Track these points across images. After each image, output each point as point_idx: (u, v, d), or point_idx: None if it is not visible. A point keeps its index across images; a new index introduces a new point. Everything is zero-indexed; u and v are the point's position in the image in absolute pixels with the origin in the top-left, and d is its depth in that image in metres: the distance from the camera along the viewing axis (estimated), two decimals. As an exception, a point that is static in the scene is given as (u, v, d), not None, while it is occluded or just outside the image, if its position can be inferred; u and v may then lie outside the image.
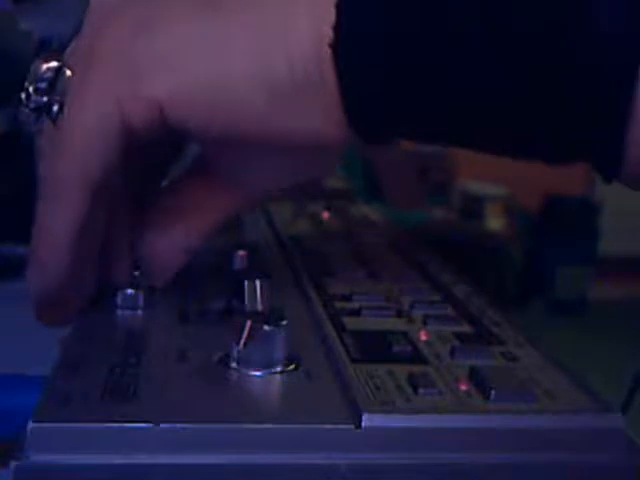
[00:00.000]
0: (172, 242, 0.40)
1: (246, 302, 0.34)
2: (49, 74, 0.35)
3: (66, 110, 0.34)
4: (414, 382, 0.30)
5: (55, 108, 0.34)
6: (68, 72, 0.35)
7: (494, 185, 2.66)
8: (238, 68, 0.32)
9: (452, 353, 0.33)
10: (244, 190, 0.40)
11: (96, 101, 0.33)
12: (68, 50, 0.36)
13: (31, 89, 0.35)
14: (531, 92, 0.31)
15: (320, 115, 0.33)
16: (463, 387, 0.30)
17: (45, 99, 0.35)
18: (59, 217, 0.34)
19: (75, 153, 0.33)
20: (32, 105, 0.35)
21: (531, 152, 0.34)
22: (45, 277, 0.36)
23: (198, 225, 0.40)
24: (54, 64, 0.35)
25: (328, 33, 0.31)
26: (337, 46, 0.31)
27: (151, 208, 0.41)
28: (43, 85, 0.35)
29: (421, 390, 0.29)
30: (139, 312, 0.38)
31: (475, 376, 0.30)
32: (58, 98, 0.34)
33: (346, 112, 0.32)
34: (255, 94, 0.32)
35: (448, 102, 0.32)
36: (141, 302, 0.38)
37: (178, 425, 0.27)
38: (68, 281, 0.36)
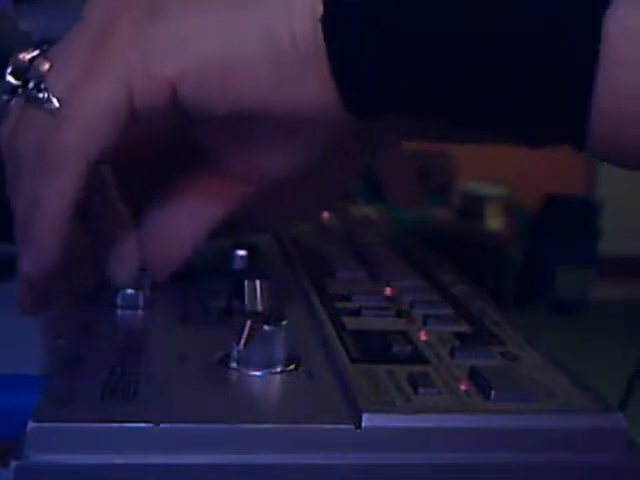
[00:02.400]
0: (178, 236, 0.40)
1: (246, 302, 0.34)
2: (26, 60, 0.36)
3: (74, 85, 0.35)
4: (414, 382, 0.30)
5: (32, 87, 0.35)
6: (46, 64, 0.36)
7: (494, 185, 2.66)
8: (247, 47, 0.34)
9: (452, 353, 0.33)
10: (247, 180, 0.41)
11: (109, 77, 0.34)
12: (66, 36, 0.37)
13: (7, 73, 0.36)
14: (501, 61, 0.32)
15: (318, 87, 0.34)
16: (463, 387, 0.30)
17: (19, 82, 0.36)
18: (54, 190, 0.35)
19: (81, 125, 0.34)
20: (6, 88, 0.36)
21: (503, 127, 0.36)
22: (39, 258, 0.36)
23: (205, 218, 0.41)
24: (34, 53, 0.36)
25: (319, 8, 0.34)
26: (325, 20, 0.33)
27: (156, 203, 0.41)
28: (18, 68, 0.36)
29: (421, 390, 0.29)
30: (139, 312, 0.38)
31: (475, 376, 0.30)
32: (33, 81, 0.35)
33: (336, 83, 0.34)
34: (261, 69, 0.34)
35: (428, 73, 0.34)
36: (141, 302, 0.38)
37: (178, 425, 0.27)
38: (60, 262, 0.36)
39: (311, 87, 0.34)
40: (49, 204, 0.35)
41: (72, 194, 0.35)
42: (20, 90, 0.36)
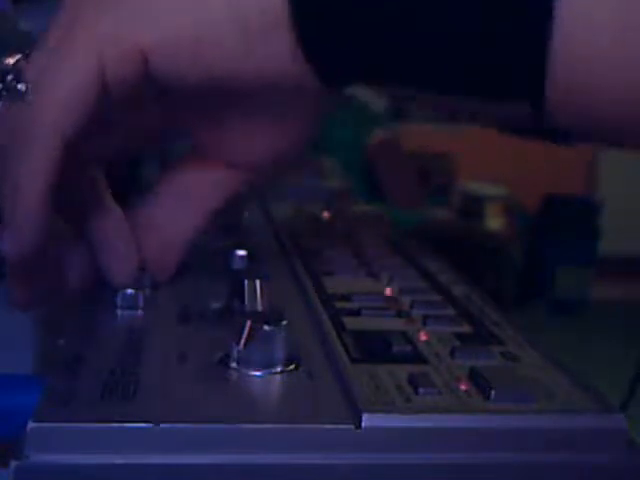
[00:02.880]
0: (175, 231, 0.41)
1: (246, 302, 0.34)
2: (9, 64, 0.37)
3: (47, 66, 0.35)
4: (414, 382, 0.30)
5: (10, 80, 0.36)
6: (25, 62, 0.36)
7: (494, 185, 2.67)
8: (216, 15, 0.34)
9: (452, 353, 0.33)
10: (239, 164, 0.41)
11: (80, 49, 0.34)
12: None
13: None
14: (459, 25, 0.33)
15: (285, 53, 0.35)
16: (463, 387, 0.30)
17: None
18: (30, 168, 0.35)
19: (53, 100, 0.34)
20: None
21: (463, 92, 0.36)
22: (19, 239, 0.35)
23: (201, 207, 0.41)
24: (17, 56, 0.37)
25: None
26: None
27: (149, 201, 0.41)
28: (1, 70, 0.37)
29: (421, 390, 0.29)
30: (139, 312, 0.38)
31: (475, 376, 0.30)
32: (12, 75, 0.36)
33: (303, 50, 0.34)
34: (230, 36, 0.34)
35: (390, 35, 0.34)
36: (141, 302, 0.38)
37: (178, 425, 0.27)
38: (42, 247, 0.36)
39: (279, 54, 0.35)
40: (25, 182, 0.35)
41: (47, 171, 0.35)
42: (4, 92, 0.36)
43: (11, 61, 0.36)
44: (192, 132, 0.41)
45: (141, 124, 0.42)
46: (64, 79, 0.34)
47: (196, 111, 0.40)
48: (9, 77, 0.35)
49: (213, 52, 0.35)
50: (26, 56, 0.36)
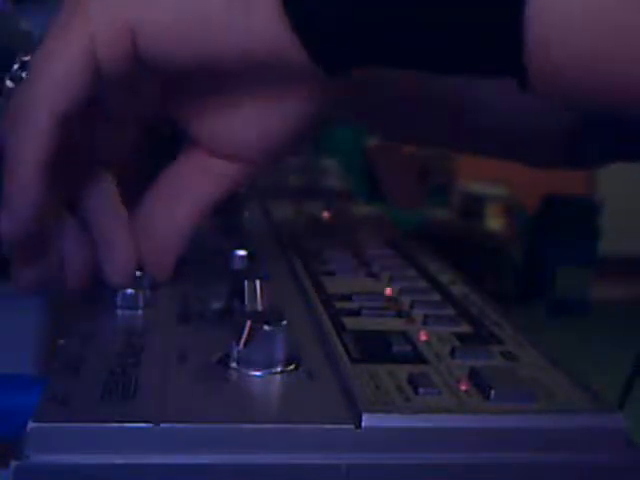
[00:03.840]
0: (171, 225, 0.41)
1: (246, 302, 0.34)
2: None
3: (47, 49, 0.36)
4: (414, 382, 0.30)
5: (16, 69, 0.37)
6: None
7: (494, 185, 2.66)
8: None
9: (452, 353, 0.33)
10: (231, 155, 0.41)
11: (74, 31, 0.35)
12: None
13: None
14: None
15: (273, 26, 0.35)
16: (463, 387, 0.30)
17: None
18: (25, 141, 0.35)
19: (48, 76, 0.35)
20: None
21: (453, 66, 0.36)
22: (13, 212, 0.36)
23: (196, 203, 0.41)
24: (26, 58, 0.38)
25: None
26: None
27: (144, 200, 0.41)
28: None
29: (421, 390, 0.29)
30: (139, 312, 0.38)
31: (475, 376, 0.30)
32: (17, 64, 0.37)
33: (288, 20, 0.34)
34: (217, 11, 0.35)
35: (372, 17, 0.34)
36: (141, 302, 0.38)
37: (178, 425, 0.27)
38: (39, 225, 0.36)
39: (265, 28, 0.35)
40: (20, 155, 0.35)
41: (42, 145, 0.35)
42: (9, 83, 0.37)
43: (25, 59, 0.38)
44: (182, 124, 0.42)
45: (141, 114, 0.42)
46: (58, 59, 0.35)
47: (184, 101, 0.41)
48: (15, 67, 0.36)
49: (198, 30, 0.35)
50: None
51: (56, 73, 0.35)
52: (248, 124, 0.40)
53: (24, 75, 0.36)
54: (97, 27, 0.35)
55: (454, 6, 0.33)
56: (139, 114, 0.42)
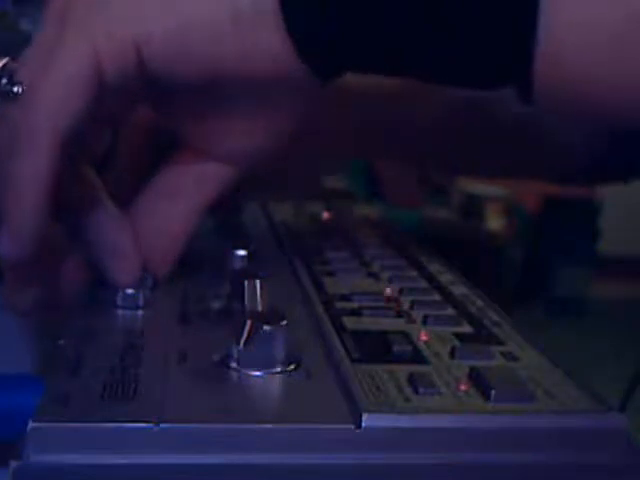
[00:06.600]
0: (171, 225, 0.41)
1: (246, 302, 0.34)
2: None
3: (41, 65, 0.35)
4: (414, 382, 0.30)
5: (5, 84, 0.36)
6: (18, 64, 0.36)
7: (494, 185, 2.66)
8: (207, 6, 0.35)
9: (452, 353, 0.33)
10: (224, 156, 0.41)
11: (73, 46, 0.34)
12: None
13: None
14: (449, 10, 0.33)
15: (277, 43, 0.35)
16: (463, 387, 0.30)
17: None
18: (29, 167, 0.34)
19: (49, 96, 0.34)
20: None
21: (458, 78, 0.37)
22: (17, 241, 0.35)
23: (192, 202, 0.41)
24: (4, 60, 0.36)
25: None
26: None
27: (142, 200, 0.41)
28: None
29: (421, 390, 0.29)
30: (139, 312, 0.38)
31: (475, 376, 0.30)
32: (5, 79, 0.36)
33: (291, 38, 0.35)
34: (222, 29, 0.35)
35: (376, 29, 0.34)
36: (141, 302, 0.38)
37: (178, 425, 0.27)
38: (39, 250, 0.36)
39: (269, 45, 0.35)
40: (24, 182, 0.35)
41: (46, 170, 0.34)
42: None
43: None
44: (175, 126, 0.42)
45: (120, 114, 0.42)
46: (59, 75, 0.34)
47: (175, 104, 0.41)
48: (3, 80, 0.35)
49: (204, 44, 0.35)
50: (13, 59, 0.36)
51: (57, 89, 0.34)
52: (238, 129, 0.40)
53: (14, 89, 0.35)
54: (100, 42, 0.34)
55: (467, 19, 0.33)
56: (118, 114, 0.42)
